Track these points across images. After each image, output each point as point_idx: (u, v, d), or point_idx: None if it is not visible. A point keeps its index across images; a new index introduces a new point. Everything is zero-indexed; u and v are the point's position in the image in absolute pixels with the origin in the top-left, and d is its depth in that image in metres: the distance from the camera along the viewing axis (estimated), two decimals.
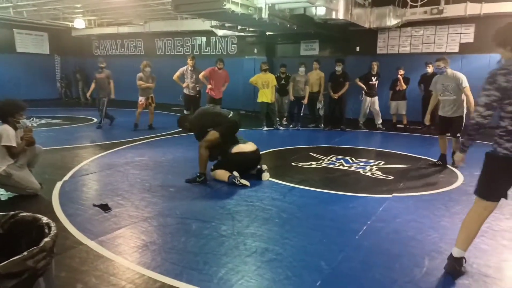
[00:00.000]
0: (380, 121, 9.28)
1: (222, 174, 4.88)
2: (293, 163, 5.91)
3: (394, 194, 4.42)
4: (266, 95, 8.85)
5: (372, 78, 8.98)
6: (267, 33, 11.35)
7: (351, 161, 6.08)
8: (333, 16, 8.29)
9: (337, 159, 6.22)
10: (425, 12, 9.24)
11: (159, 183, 4.83)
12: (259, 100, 9.00)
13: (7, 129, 4.02)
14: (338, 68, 8.86)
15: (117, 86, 9.25)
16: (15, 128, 4.13)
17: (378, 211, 3.85)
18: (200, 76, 8.60)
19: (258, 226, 3.48)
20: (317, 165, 5.84)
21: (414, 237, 3.23)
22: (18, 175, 4.10)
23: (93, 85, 9.20)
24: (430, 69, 8.63)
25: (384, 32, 10.47)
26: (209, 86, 8.70)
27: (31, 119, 9.92)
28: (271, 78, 8.85)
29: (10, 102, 4.18)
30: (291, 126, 9.48)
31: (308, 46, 11.89)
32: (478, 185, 2.56)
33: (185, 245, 3.06)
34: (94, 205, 3.92)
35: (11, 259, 1.31)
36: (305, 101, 9.11)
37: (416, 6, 9.33)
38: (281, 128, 9.22)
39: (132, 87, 9.33)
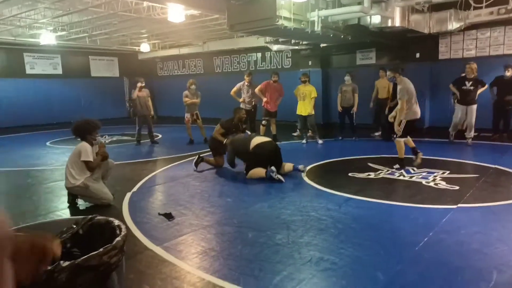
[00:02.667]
0: (471, 135, 7.89)
1: (258, 171, 5.42)
2: (349, 174, 5.82)
3: (459, 205, 4.18)
4: (303, 107, 8.73)
5: (466, 83, 7.80)
6: (321, 45, 11.37)
7: (412, 171, 5.85)
8: (389, 24, 8.11)
9: (397, 169, 6.01)
10: (491, 13, 8.66)
11: (217, 194, 5.05)
12: (297, 112, 8.86)
13: (85, 146, 4.50)
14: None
15: (177, 104, 9.79)
16: (92, 145, 4.60)
17: (441, 223, 3.67)
18: (256, 90, 8.86)
19: (313, 236, 3.51)
20: (375, 176, 5.70)
21: (480, 250, 3.05)
22: (94, 187, 4.54)
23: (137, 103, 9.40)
24: (509, 73, 7.96)
25: (446, 37, 9.98)
26: (264, 100, 8.92)
27: (104, 136, 10.85)
28: (309, 90, 8.66)
29: (88, 122, 4.69)
30: (340, 137, 9.22)
31: (365, 55, 11.69)
32: None
33: (241, 253, 3.18)
34: (159, 214, 4.20)
35: (89, 254, 1.51)
36: (355, 109, 8.90)
37: (480, 8, 8.79)
38: (320, 141, 8.86)
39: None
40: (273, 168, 5.30)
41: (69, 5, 8.64)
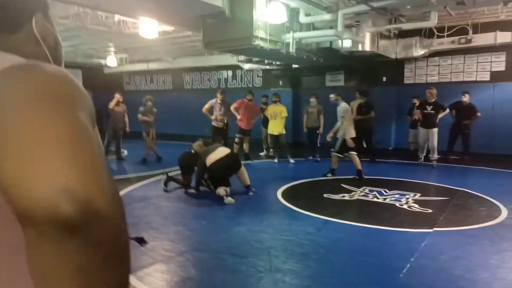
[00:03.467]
0: (435, 157, 8.13)
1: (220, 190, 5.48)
2: (325, 195, 5.81)
3: (435, 229, 4.24)
4: (274, 126, 8.80)
5: (427, 107, 8.15)
6: (293, 66, 11.54)
7: (385, 193, 5.92)
8: (360, 48, 8.38)
9: (370, 190, 6.08)
10: (453, 42, 9.20)
11: (191, 216, 4.84)
12: (268, 131, 8.99)
13: None
14: (362, 100, 8.92)
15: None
16: None
17: (420, 247, 3.69)
18: (232, 108, 8.82)
19: (296, 262, 3.40)
20: (350, 197, 5.72)
21: (463, 276, 3.06)
22: None
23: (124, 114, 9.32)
24: (466, 99, 8.48)
25: (411, 62, 10.44)
26: (238, 117, 8.89)
27: None
28: (279, 110, 8.77)
29: None
30: (310, 157, 9.27)
31: (334, 78, 11.97)
32: None
33: (223, 282, 3.01)
34: (130, 238, 3.92)
35: None
36: (321, 130, 8.98)
37: (443, 36, 9.31)
38: (291, 160, 8.89)
39: (159, 119, 9.54)
40: (220, 192, 5.44)
41: None
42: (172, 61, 14.33)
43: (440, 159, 8.32)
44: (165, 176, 6.31)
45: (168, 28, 8.86)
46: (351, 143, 6.91)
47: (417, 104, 8.58)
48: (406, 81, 10.62)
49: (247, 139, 9.20)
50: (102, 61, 14.61)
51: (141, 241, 3.90)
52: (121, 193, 5.86)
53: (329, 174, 7.23)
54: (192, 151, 6.17)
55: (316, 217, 4.73)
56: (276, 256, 3.52)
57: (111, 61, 14.11)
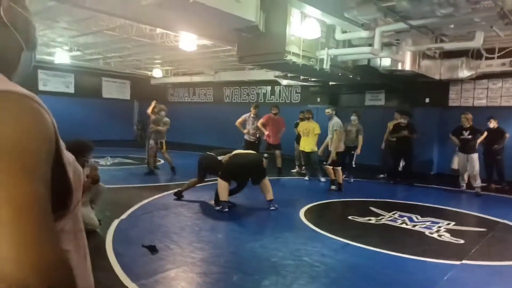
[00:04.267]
0: (478, 184, 7.65)
1: (223, 188, 5.52)
2: (349, 217, 5.57)
3: (463, 261, 3.89)
4: (306, 143, 8.59)
5: (463, 132, 7.84)
6: (330, 83, 11.38)
7: (416, 220, 5.57)
8: (399, 68, 8.08)
9: (400, 216, 5.75)
10: (503, 64, 8.61)
11: (208, 228, 4.82)
12: (300, 148, 8.82)
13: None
14: (404, 120, 8.56)
15: (186, 130, 9.72)
16: (83, 167, 4.46)
17: (441, 280, 3.39)
18: (259, 124, 8.81)
19: (303, 284, 3.25)
20: (376, 221, 5.44)
21: None
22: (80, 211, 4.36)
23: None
24: (492, 124, 8.10)
25: (457, 84, 9.91)
26: (266, 133, 8.86)
27: (105, 157, 10.77)
28: (312, 126, 8.56)
29: (82, 142, 4.56)
30: (344, 176, 8.94)
31: (374, 96, 11.64)
32: None
33: None
34: (143, 246, 3.99)
35: None
36: (358, 151, 8.66)
37: (493, 58, 8.75)
38: (322, 179, 8.62)
39: (197, 131, 9.73)
40: (223, 202, 5.53)
41: (85, 26, 8.81)
42: (213, 75, 14.71)
43: (484, 188, 7.74)
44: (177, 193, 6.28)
45: (207, 42, 9.11)
46: (334, 157, 7.45)
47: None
48: (451, 104, 10.07)
49: (278, 154, 9.13)
50: (149, 73, 15.30)
51: (152, 249, 3.95)
52: (145, 201, 6.01)
53: (333, 187, 7.60)
54: (219, 157, 5.87)
55: (335, 239, 4.53)
56: (283, 276, 3.39)
57: (157, 73, 14.76)
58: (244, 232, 4.70)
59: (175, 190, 6.33)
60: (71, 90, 15.81)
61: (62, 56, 11.77)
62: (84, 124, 15.37)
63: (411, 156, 8.76)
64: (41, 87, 14.92)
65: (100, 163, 9.43)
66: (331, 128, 7.63)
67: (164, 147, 8.62)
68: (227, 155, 5.78)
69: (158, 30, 8.68)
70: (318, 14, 5.77)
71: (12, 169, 0.49)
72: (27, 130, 0.53)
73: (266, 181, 5.79)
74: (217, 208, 5.66)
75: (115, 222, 4.80)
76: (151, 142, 8.61)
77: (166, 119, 8.67)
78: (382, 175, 9.46)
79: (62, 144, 0.63)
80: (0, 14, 0.65)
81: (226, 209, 5.55)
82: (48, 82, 15.08)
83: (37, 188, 0.51)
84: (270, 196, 5.79)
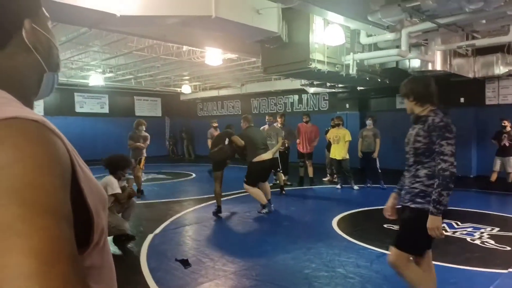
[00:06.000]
0: None
1: (259, 196, 5.97)
2: (385, 225, 5.37)
3: (510, 270, 3.65)
4: (336, 151, 8.42)
5: (503, 136, 7.75)
6: (358, 88, 11.18)
7: (456, 226, 5.30)
8: (430, 68, 7.81)
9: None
10: None
11: (239, 240, 4.81)
12: (331, 155, 8.64)
13: (111, 179, 4.50)
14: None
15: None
16: (119, 179, 4.59)
17: None
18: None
19: None
20: None
21: None
22: (112, 216, 4.45)
23: (209, 142, 8.96)
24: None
25: (493, 81, 9.45)
26: (297, 141, 8.86)
27: None
28: (342, 133, 8.40)
29: (123, 158, 4.73)
30: (368, 184, 8.71)
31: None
32: (415, 245, 2.45)
33: None
34: (176, 260, 4.02)
35: None
36: (375, 154, 8.42)
37: None
38: (355, 187, 8.43)
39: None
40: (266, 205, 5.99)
41: (116, 49, 9.18)
42: (240, 87, 14.87)
43: None
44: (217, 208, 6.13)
45: (232, 55, 9.24)
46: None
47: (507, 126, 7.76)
48: (488, 102, 9.62)
49: (310, 163, 9.04)
50: (178, 89, 15.68)
51: (185, 263, 3.98)
52: (178, 215, 6.10)
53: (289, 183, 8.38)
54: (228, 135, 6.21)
55: (371, 249, 4.38)
56: None
57: (186, 89, 15.11)
58: (276, 244, 4.64)
59: (214, 210, 6.13)
60: (106, 110, 16.45)
61: (96, 79, 12.31)
62: (119, 142, 15.87)
63: None
64: (77, 109, 15.64)
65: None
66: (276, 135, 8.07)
67: (141, 163, 7.84)
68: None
69: (185, 48, 8.90)
70: (341, 20, 5.71)
71: (29, 213, 0.44)
72: (40, 164, 0.48)
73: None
74: (264, 211, 6.06)
75: (149, 237, 4.89)
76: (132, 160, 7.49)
77: (146, 134, 8.07)
78: None
79: (81, 165, 0.58)
80: (23, 38, 0.63)
81: (270, 209, 6.08)
82: (84, 104, 15.79)
83: (61, 230, 0.46)
84: (267, 196, 6.23)
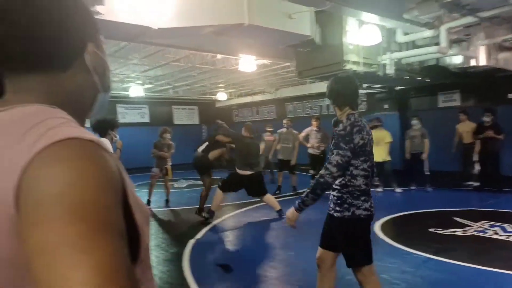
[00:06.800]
0: None
1: (217, 201, 6.01)
2: (430, 229, 5.17)
3: None
4: (377, 153, 8.11)
5: None
6: (397, 87, 10.86)
7: (510, 229, 5.00)
8: (473, 64, 7.45)
9: (490, 226, 5.20)
10: None
11: (279, 245, 4.81)
12: None
13: (104, 142, 4.58)
14: (487, 119, 7.82)
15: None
16: (111, 141, 4.61)
17: None
18: (300, 137, 8.94)
19: None
20: (462, 233, 4.97)
21: None
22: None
23: (262, 146, 8.98)
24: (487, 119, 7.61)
25: None
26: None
27: (179, 180, 11.34)
28: (382, 135, 8.12)
29: (109, 118, 4.69)
30: (412, 187, 8.36)
31: (447, 97, 10.84)
32: (359, 256, 2.46)
33: None
34: (218, 265, 4.08)
35: None
36: (425, 156, 8.08)
37: None
38: (398, 189, 8.16)
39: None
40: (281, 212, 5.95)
41: (154, 60, 9.53)
42: (274, 92, 14.90)
43: None
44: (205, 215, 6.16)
45: (266, 61, 9.30)
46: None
47: None
48: None
49: None
50: (214, 97, 15.98)
51: (226, 268, 4.05)
52: (219, 220, 6.19)
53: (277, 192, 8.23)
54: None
55: (416, 254, 4.22)
56: None
57: (222, 96, 15.38)
58: (316, 249, 4.58)
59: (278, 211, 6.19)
60: (147, 119, 17.05)
61: (136, 90, 12.82)
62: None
63: (498, 158, 7.95)
64: (120, 120, 16.32)
65: (174, 186, 9.98)
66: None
67: (169, 174, 7.72)
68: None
69: (219, 56, 9.07)
70: (376, 19, 5.61)
71: (92, 230, 0.46)
72: (98, 183, 0.50)
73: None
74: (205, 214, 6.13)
75: (191, 242, 5.00)
76: (154, 169, 7.66)
77: (171, 142, 7.80)
78: (470, 182, 8.51)
79: (128, 182, 0.60)
80: (85, 61, 0.67)
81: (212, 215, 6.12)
82: (126, 115, 16.45)
83: (120, 246, 0.48)
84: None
